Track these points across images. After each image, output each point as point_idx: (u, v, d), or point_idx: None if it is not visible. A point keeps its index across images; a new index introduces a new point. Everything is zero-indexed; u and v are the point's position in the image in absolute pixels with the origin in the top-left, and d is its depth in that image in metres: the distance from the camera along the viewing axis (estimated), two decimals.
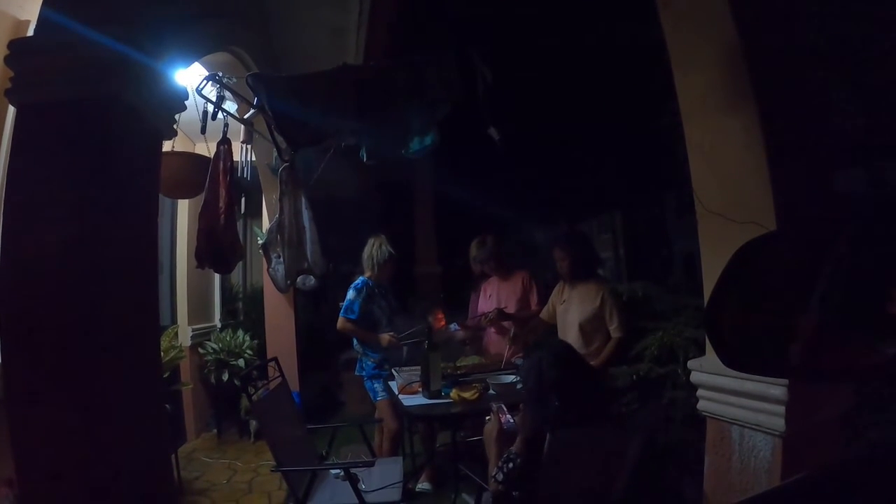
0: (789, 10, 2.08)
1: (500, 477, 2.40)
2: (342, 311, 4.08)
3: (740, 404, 2.01)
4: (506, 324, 4.16)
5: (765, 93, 1.95)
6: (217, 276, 6.33)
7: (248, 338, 5.70)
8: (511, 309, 4.10)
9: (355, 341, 4.17)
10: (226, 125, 3.17)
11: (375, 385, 4.01)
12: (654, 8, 2.34)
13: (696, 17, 2.17)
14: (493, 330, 4.27)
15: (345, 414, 5.86)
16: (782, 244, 0.95)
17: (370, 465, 2.88)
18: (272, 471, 2.91)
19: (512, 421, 2.80)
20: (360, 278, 4.19)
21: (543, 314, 3.99)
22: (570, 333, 3.66)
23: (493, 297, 4.31)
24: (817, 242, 0.85)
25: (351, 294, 4.10)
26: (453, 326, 4.38)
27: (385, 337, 3.99)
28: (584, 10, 5.06)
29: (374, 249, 4.16)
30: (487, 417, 3.26)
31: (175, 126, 2.53)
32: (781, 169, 1.91)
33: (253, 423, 5.22)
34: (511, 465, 2.38)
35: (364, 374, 4.14)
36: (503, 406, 2.93)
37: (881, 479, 0.61)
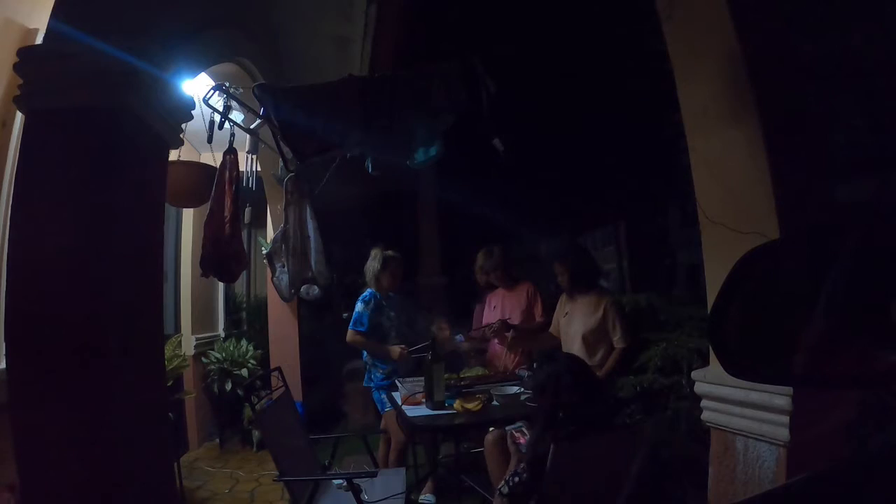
0: (791, 20, 2.09)
1: (506, 490, 2.39)
2: (351, 323, 4.09)
3: (744, 414, 2.01)
4: (509, 335, 4.15)
5: (767, 102, 1.96)
6: (221, 286, 6.35)
7: (251, 347, 5.71)
8: (515, 320, 4.09)
9: (365, 353, 4.17)
10: (232, 135, 3.19)
11: (384, 396, 4.00)
12: (656, 19, 2.36)
13: (698, 27, 2.18)
14: (496, 341, 4.27)
15: (348, 424, 5.85)
16: (785, 253, 0.95)
17: (373, 475, 2.87)
18: (274, 480, 2.90)
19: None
20: (368, 290, 4.20)
21: (552, 329, 3.99)
22: (573, 345, 3.66)
23: (497, 308, 4.31)
24: (820, 251, 0.85)
25: (359, 306, 4.11)
26: (458, 338, 4.38)
27: (395, 349, 3.99)
28: (588, 21, 5.09)
29: (375, 262, 4.17)
30: (491, 429, 3.25)
31: (181, 135, 2.55)
32: (784, 178, 1.92)
33: (255, 433, 5.21)
34: (518, 478, 2.37)
35: (372, 385, 4.14)
36: (523, 428, 2.88)
37: (881, 479, 0.61)
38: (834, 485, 0.63)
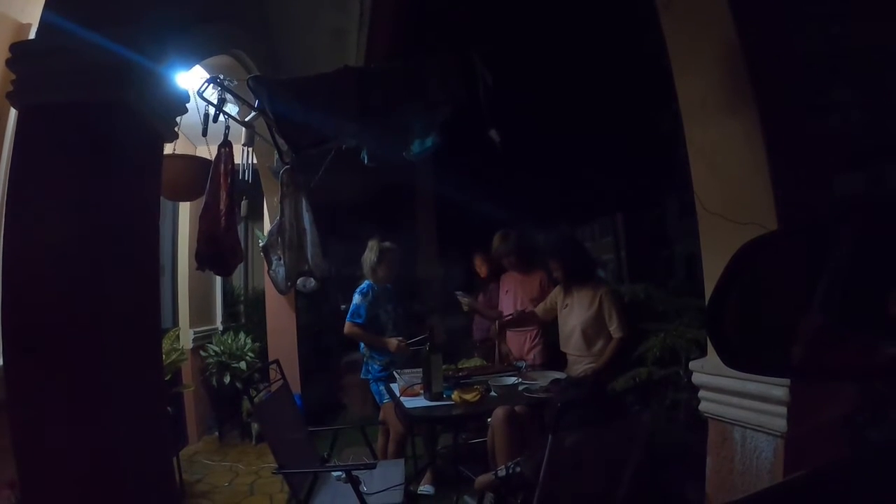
0: (789, 12, 2.08)
1: (502, 474, 2.40)
2: (349, 315, 4.08)
3: (742, 405, 2.01)
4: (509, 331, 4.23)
5: (765, 94, 1.95)
6: (218, 279, 6.35)
7: (249, 340, 5.71)
8: (528, 307, 4.12)
9: (362, 345, 4.17)
10: (227, 128, 3.17)
11: (382, 388, 4.01)
12: (654, 10, 2.35)
13: (696, 18, 2.17)
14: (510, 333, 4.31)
15: (346, 416, 5.87)
16: (783, 244, 0.94)
17: (372, 467, 2.88)
18: (274, 473, 2.90)
19: None
20: (366, 282, 4.20)
21: (538, 309, 4.01)
22: (572, 338, 3.67)
23: (510, 292, 4.35)
24: (818, 242, 0.84)
25: (357, 298, 4.10)
26: (459, 294, 4.41)
27: (393, 342, 3.99)
28: (585, 12, 5.07)
29: (371, 253, 4.17)
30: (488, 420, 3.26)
31: (176, 129, 2.54)
32: (782, 169, 1.91)
33: (254, 426, 5.23)
34: (518, 468, 2.38)
35: (370, 377, 4.14)
36: None
37: (880, 478, 0.61)
38: (833, 483, 0.63)
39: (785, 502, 0.65)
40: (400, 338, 4.01)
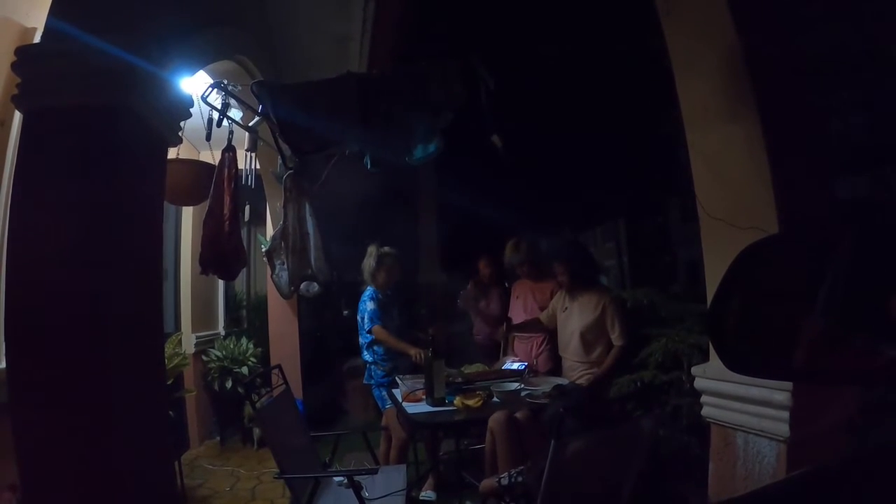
0: (791, 16, 2.08)
1: (505, 482, 2.39)
2: (370, 320, 4.09)
3: (745, 410, 2.01)
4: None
5: (766, 98, 1.95)
6: (221, 284, 6.35)
7: (251, 345, 5.71)
8: (538, 314, 4.13)
9: (365, 350, 4.17)
10: (230, 133, 3.19)
11: (384, 393, 4.00)
12: (655, 15, 2.36)
13: (697, 23, 2.18)
14: (520, 337, 4.31)
15: (348, 421, 5.85)
16: (784, 247, 0.94)
17: (374, 472, 2.87)
18: (275, 478, 2.90)
19: None
20: (369, 288, 4.20)
21: (542, 317, 4.01)
22: (572, 342, 3.67)
23: (520, 298, 4.36)
24: (819, 245, 0.84)
25: (370, 305, 4.12)
26: (460, 301, 4.55)
27: (414, 350, 3.97)
28: (587, 17, 5.08)
29: (371, 259, 4.18)
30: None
31: (180, 133, 2.54)
32: (783, 174, 1.92)
33: (256, 431, 5.22)
34: (521, 478, 2.37)
35: (372, 382, 4.13)
36: None
37: (878, 478, 0.61)
38: (831, 482, 0.63)
39: (783, 500, 0.65)
40: (420, 349, 3.97)
